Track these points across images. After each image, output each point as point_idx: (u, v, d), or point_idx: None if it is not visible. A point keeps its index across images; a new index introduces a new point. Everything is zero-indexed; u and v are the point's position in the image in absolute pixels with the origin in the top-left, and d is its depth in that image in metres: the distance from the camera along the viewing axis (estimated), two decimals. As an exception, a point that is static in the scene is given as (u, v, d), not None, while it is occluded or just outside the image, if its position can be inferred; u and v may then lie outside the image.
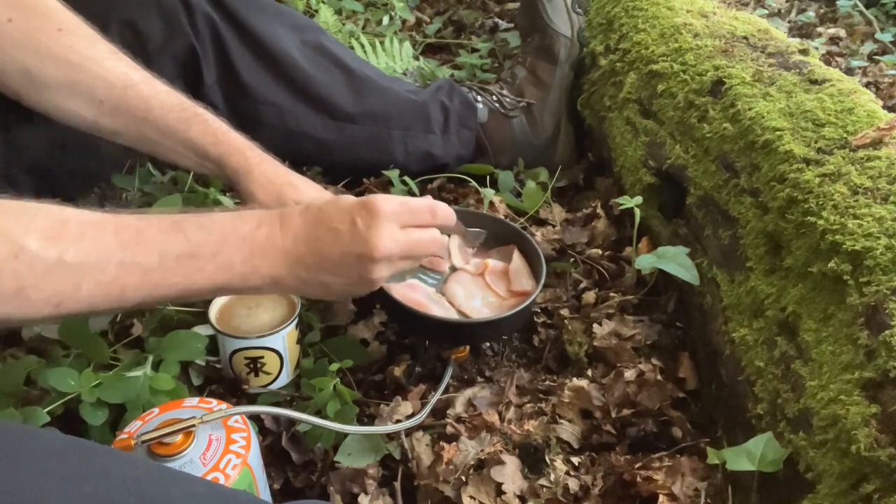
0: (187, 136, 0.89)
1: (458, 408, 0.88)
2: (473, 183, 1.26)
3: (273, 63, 1.09)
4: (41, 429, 0.71)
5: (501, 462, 0.79)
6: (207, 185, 1.16)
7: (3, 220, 0.55)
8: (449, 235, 1.00)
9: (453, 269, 0.97)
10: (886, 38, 1.79)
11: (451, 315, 0.93)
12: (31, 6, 0.82)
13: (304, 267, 0.70)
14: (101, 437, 0.78)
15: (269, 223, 0.70)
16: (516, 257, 0.99)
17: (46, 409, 0.77)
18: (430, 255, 0.79)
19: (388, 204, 0.71)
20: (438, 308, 0.93)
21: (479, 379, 0.95)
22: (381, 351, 0.97)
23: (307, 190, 0.93)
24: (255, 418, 0.84)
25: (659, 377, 0.88)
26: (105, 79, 0.85)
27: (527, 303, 0.90)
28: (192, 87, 1.01)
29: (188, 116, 0.89)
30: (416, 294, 0.94)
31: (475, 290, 0.96)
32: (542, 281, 0.93)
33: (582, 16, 1.36)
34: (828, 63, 1.63)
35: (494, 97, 1.33)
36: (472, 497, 0.77)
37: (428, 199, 0.79)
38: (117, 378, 0.80)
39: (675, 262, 0.93)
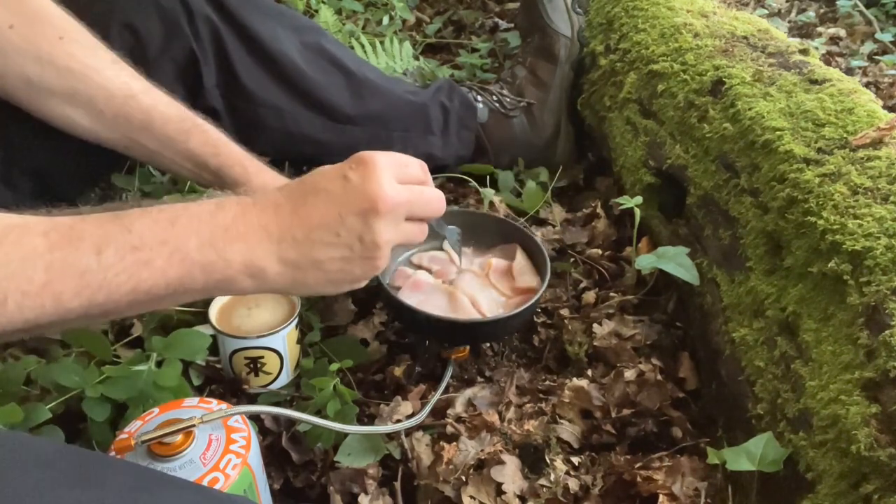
0: (187, 147, 0.88)
1: (458, 408, 0.88)
2: (473, 183, 1.26)
3: (273, 65, 1.09)
4: (34, 436, 0.71)
5: (501, 462, 0.79)
6: (207, 186, 1.16)
7: None
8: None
9: (459, 269, 0.97)
10: (886, 38, 1.79)
11: (473, 315, 0.92)
12: (33, 13, 0.82)
13: (293, 243, 0.60)
14: (101, 436, 0.78)
15: (235, 203, 0.60)
16: (519, 255, 0.99)
17: (47, 408, 0.77)
18: (434, 214, 0.70)
19: (381, 155, 0.64)
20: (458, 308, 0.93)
21: (479, 379, 0.95)
22: (381, 351, 0.97)
23: None
24: (255, 418, 0.84)
25: (659, 377, 0.88)
26: (105, 88, 0.85)
27: (534, 299, 0.90)
28: (192, 90, 1.01)
29: (188, 127, 0.89)
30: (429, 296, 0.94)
31: (480, 289, 0.96)
32: (548, 277, 0.93)
33: (582, 16, 1.36)
34: (828, 63, 1.63)
35: (494, 97, 1.33)
36: (472, 497, 0.77)
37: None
38: (122, 372, 0.79)
39: (675, 262, 0.93)
